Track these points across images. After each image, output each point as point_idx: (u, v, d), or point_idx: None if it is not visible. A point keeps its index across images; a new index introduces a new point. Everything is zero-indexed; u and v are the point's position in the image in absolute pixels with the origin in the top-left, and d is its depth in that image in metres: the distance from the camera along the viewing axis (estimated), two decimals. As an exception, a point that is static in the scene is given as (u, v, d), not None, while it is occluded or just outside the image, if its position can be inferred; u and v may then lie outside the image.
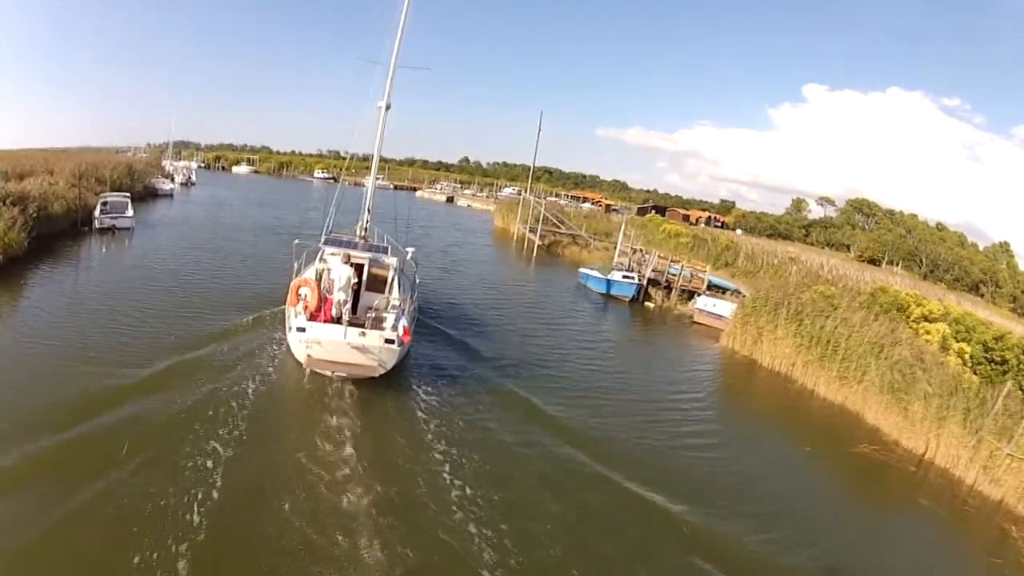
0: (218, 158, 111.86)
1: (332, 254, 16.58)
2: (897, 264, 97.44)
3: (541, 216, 46.12)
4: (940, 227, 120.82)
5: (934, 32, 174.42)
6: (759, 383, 22.77)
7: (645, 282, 32.33)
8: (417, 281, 19.18)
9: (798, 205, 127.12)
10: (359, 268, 16.23)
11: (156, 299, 19.63)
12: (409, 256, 17.39)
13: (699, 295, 31.10)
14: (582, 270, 35.41)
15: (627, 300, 31.54)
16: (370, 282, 16.73)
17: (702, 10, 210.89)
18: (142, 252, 27.51)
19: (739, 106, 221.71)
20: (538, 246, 43.04)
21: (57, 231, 27.09)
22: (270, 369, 14.82)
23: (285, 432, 12.29)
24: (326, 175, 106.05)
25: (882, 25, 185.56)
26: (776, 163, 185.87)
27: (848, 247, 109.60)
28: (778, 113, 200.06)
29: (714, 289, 32.45)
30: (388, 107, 19.71)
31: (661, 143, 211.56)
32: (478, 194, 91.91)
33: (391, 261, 17.10)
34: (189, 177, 63.93)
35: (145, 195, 45.91)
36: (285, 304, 15.73)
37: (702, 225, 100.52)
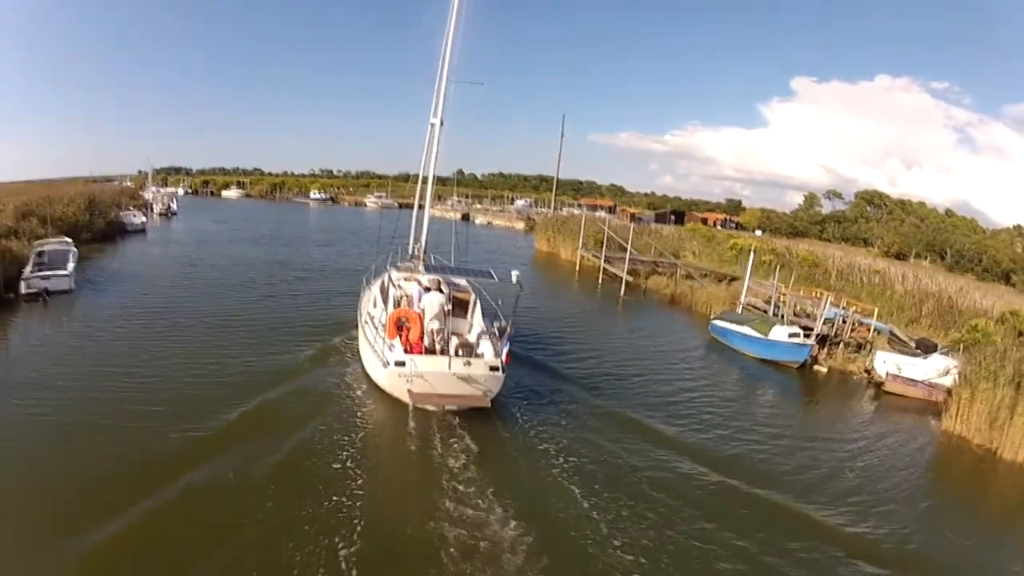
0: (206, 182, 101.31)
1: (406, 279, 16.09)
2: (925, 258, 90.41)
3: (605, 238, 36.08)
4: (949, 214, 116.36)
5: (919, 16, 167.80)
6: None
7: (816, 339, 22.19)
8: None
9: (810, 200, 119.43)
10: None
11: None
12: (515, 280, 14.36)
13: (871, 348, 21.85)
14: (718, 323, 24.17)
15: (796, 366, 21.71)
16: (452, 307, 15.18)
17: (684, 11, 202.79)
18: (74, 336, 17.86)
19: (728, 104, 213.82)
20: (626, 281, 31.40)
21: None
22: (359, 412, 13.23)
23: (407, 481, 11.02)
24: (322, 196, 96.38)
25: (867, 13, 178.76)
26: (768, 159, 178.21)
27: (865, 240, 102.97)
28: (767, 109, 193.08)
29: (889, 338, 23.21)
30: (442, 123, 18.08)
31: (653, 145, 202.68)
32: (491, 208, 80.00)
33: (469, 285, 16.33)
34: (169, 207, 53.95)
35: (110, 233, 36.08)
36: (360, 336, 15.63)
37: (719, 227, 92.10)
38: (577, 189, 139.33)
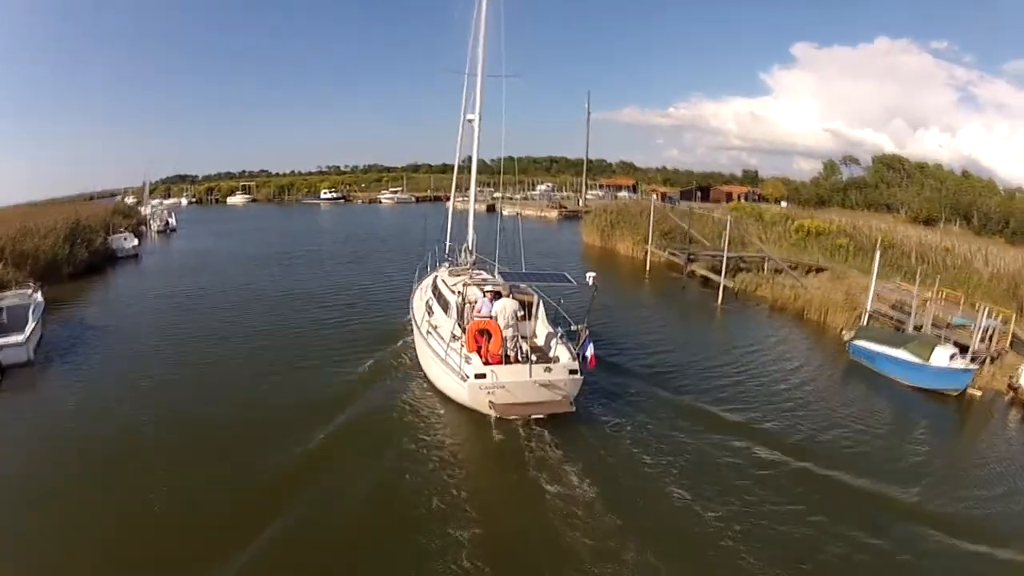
0: (210, 190, 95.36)
1: (464, 284, 14.66)
2: (955, 223, 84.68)
3: (687, 233, 29.70)
4: (966, 175, 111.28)
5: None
6: None
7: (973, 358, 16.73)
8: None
9: (830, 168, 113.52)
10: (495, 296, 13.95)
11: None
12: (591, 282, 12.78)
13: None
14: (862, 343, 18.48)
15: (955, 394, 16.28)
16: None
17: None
18: (31, 436, 12.58)
19: (730, 74, 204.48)
20: (724, 286, 24.74)
21: None
22: (440, 431, 12.42)
23: (513, 499, 10.39)
24: (334, 195, 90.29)
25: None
26: (773, 126, 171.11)
27: (888, 206, 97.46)
28: (769, 76, 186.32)
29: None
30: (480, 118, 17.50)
31: (657, 119, 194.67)
32: (516, 196, 68.32)
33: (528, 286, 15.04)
34: (167, 223, 48.17)
35: (97, 264, 30.47)
36: (421, 348, 14.72)
37: (743, 201, 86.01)
38: (589, 169, 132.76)
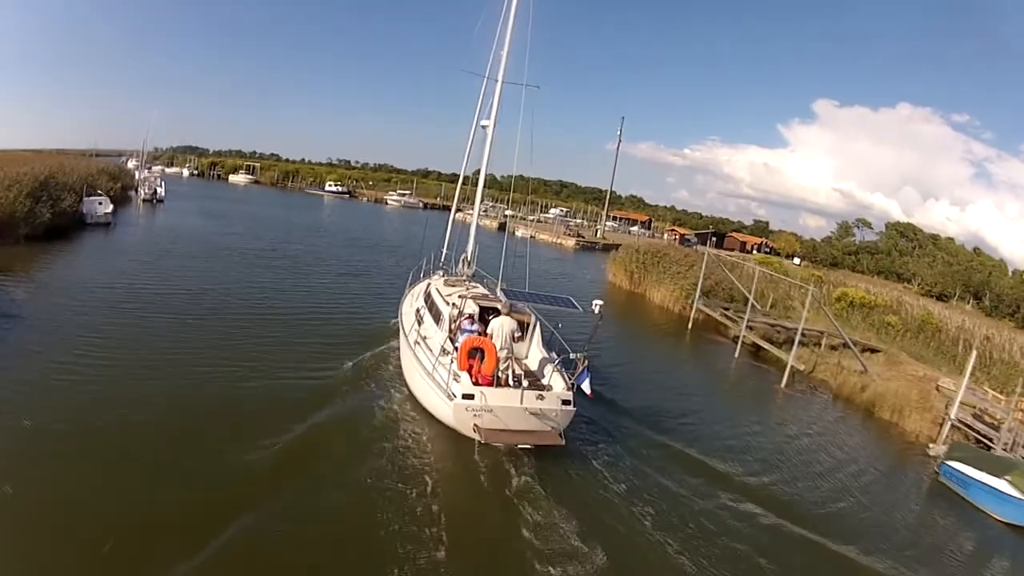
0: (213, 164, 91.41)
1: (460, 296, 13.62)
2: (967, 301, 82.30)
3: (728, 291, 26.20)
4: (978, 252, 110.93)
5: (944, 48, 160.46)
6: None
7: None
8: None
9: (844, 230, 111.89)
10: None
11: None
12: (596, 310, 11.61)
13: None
14: (956, 466, 14.64)
15: None
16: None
17: (711, 25, 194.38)
18: None
19: (749, 122, 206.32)
20: (793, 369, 20.07)
21: None
22: (421, 446, 11.23)
23: (490, 530, 9.41)
24: (339, 188, 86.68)
25: (892, 40, 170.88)
26: (785, 179, 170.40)
27: (899, 276, 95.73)
28: (788, 129, 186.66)
29: None
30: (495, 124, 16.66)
31: (671, 158, 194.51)
32: (529, 217, 64.74)
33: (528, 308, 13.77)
34: (155, 192, 44.16)
35: (61, 228, 26.53)
36: (406, 357, 13.38)
37: (755, 253, 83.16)
38: (598, 198, 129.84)
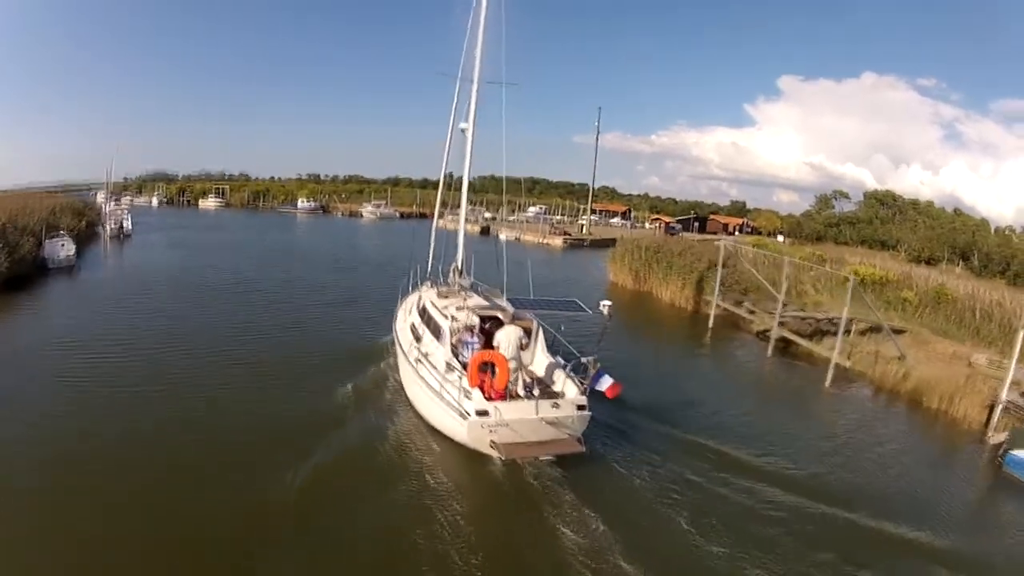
0: (183, 190, 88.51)
1: (458, 308, 13.31)
2: (957, 263, 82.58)
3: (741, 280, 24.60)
4: (958, 213, 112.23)
5: (906, 13, 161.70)
6: None
7: None
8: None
9: (823, 202, 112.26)
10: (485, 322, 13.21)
11: None
12: (606, 311, 11.65)
13: None
14: (1019, 454, 13.61)
15: None
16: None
17: (672, 11, 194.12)
18: None
19: (714, 104, 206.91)
20: (835, 365, 18.58)
21: None
22: (436, 474, 10.81)
23: (524, 545, 9.09)
24: (312, 204, 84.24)
25: (853, 10, 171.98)
26: (755, 158, 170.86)
27: (883, 244, 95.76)
28: (754, 108, 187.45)
29: None
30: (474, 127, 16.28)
31: (639, 146, 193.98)
32: (510, 218, 63.46)
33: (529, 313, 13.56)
34: (122, 226, 41.98)
35: (21, 276, 24.35)
36: (408, 376, 13.18)
37: (737, 234, 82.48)
38: (572, 192, 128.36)
